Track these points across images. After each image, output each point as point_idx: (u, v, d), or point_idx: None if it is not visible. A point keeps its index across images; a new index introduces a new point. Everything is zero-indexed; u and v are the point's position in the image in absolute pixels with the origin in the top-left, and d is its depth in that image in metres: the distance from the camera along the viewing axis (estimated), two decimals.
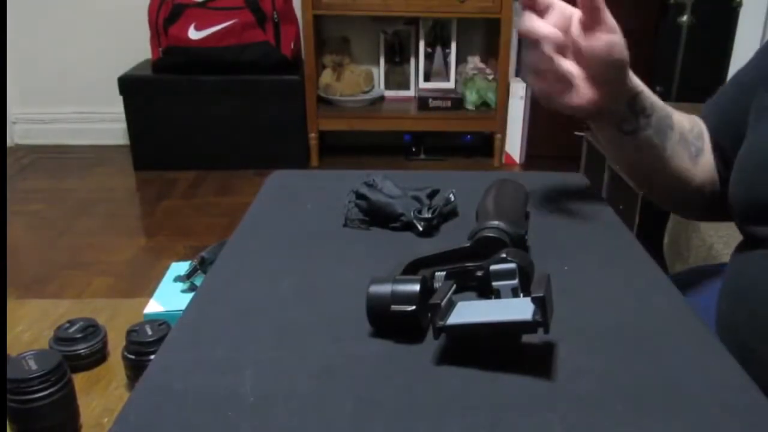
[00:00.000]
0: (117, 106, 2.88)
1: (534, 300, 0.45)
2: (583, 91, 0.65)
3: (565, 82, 0.64)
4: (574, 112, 0.66)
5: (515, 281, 0.51)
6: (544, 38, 0.61)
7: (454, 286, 0.51)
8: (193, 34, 2.75)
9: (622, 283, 0.59)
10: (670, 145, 0.71)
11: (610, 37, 0.63)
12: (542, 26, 0.61)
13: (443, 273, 0.56)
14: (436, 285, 0.52)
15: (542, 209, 0.73)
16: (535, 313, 0.45)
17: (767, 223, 0.63)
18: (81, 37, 3.13)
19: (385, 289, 0.50)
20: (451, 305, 0.48)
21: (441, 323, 0.47)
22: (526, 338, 0.49)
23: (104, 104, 3.14)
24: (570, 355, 0.48)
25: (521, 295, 0.51)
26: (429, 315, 0.48)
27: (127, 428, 0.42)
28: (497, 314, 0.47)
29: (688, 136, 0.73)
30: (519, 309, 0.46)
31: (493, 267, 0.51)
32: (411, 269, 0.56)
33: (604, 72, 0.64)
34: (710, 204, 0.77)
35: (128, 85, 2.82)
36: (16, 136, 3.27)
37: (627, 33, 0.63)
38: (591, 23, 0.62)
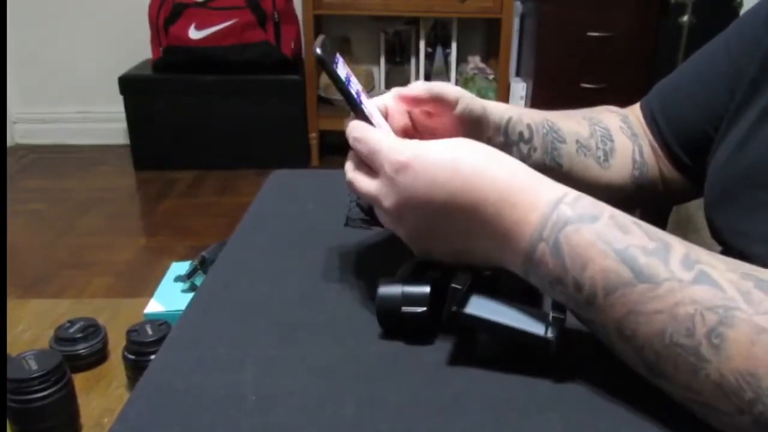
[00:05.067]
0: (117, 106, 2.88)
1: (553, 319, 0.45)
2: None
3: None
4: None
5: (524, 283, 0.50)
6: None
7: (471, 277, 0.50)
8: (194, 33, 2.75)
9: None
10: (566, 161, 0.67)
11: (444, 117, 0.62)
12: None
13: (451, 273, 0.56)
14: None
15: None
16: (548, 331, 0.45)
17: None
18: (81, 36, 3.13)
19: (395, 290, 0.49)
20: (467, 295, 0.48)
21: (457, 309, 0.46)
22: None
23: (104, 104, 3.14)
24: (571, 354, 0.48)
25: (526, 298, 0.50)
26: (442, 303, 0.47)
27: (127, 428, 0.42)
28: (511, 319, 0.46)
29: (588, 142, 0.68)
30: (534, 320, 0.46)
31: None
32: (418, 270, 0.56)
33: (464, 132, 0.63)
34: (648, 198, 0.73)
35: (128, 84, 2.82)
36: (16, 135, 3.27)
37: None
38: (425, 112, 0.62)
